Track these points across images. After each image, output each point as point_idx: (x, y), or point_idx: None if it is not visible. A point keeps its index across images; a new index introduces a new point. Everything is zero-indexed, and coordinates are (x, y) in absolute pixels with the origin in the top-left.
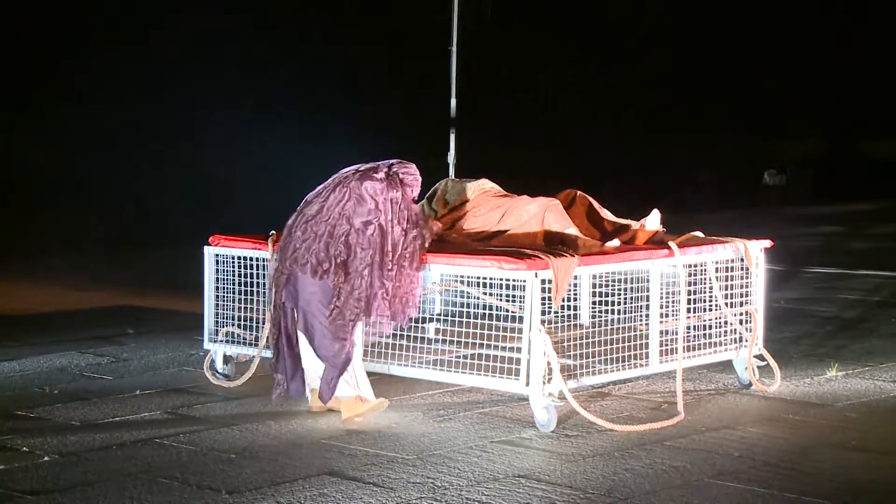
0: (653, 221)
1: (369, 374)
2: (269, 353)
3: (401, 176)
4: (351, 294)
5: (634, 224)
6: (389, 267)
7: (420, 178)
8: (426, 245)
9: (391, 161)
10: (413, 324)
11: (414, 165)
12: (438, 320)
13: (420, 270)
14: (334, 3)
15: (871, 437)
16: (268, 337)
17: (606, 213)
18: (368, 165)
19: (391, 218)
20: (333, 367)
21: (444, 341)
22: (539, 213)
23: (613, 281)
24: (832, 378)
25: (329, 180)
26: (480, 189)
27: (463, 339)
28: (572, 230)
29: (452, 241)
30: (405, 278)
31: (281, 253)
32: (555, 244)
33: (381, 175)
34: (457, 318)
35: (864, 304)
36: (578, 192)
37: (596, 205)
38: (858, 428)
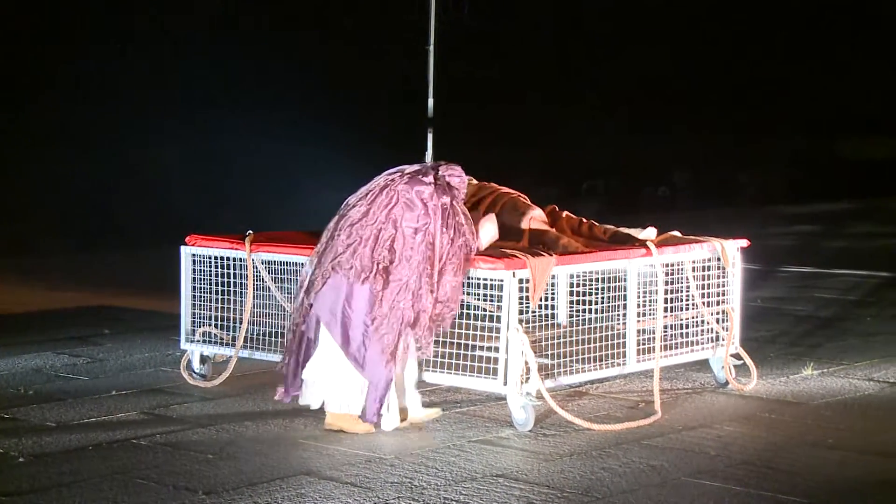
0: (647, 235)
1: None
2: (260, 355)
3: (447, 179)
4: (394, 303)
5: (634, 231)
6: (435, 277)
7: (466, 181)
8: (472, 254)
9: (437, 163)
10: None
11: (460, 167)
12: None
13: (463, 279)
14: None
15: (847, 435)
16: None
17: (599, 226)
18: (414, 168)
19: (440, 224)
20: (375, 387)
21: None
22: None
23: (591, 280)
24: (808, 377)
25: (373, 183)
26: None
27: (440, 339)
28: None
29: None
30: (448, 287)
31: (320, 256)
32: (535, 244)
33: (429, 179)
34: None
35: (839, 303)
36: (565, 213)
37: (583, 220)
38: (834, 426)
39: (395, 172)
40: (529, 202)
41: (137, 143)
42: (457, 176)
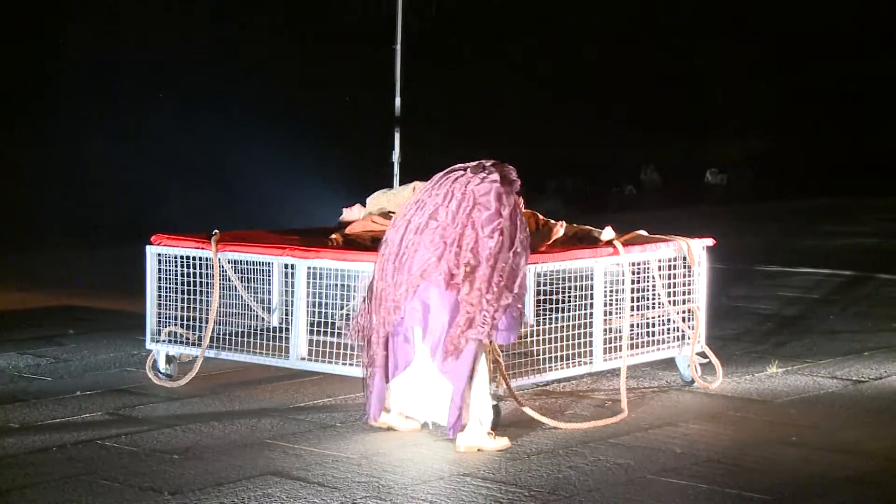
0: (607, 235)
1: (313, 374)
2: (227, 355)
3: (512, 177)
4: (478, 309)
5: (595, 231)
6: (508, 279)
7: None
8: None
9: (489, 161)
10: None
11: (511, 167)
12: None
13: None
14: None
15: (811, 432)
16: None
17: (555, 223)
18: (475, 165)
19: (510, 225)
20: (458, 392)
21: None
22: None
23: (558, 279)
24: (773, 375)
25: (436, 185)
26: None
27: None
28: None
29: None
30: (522, 283)
31: (393, 264)
32: None
33: (495, 176)
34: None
35: (803, 301)
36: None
37: (541, 217)
38: (798, 424)
39: (454, 173)
40: None
41: (100, 141)
42: (514, 176)
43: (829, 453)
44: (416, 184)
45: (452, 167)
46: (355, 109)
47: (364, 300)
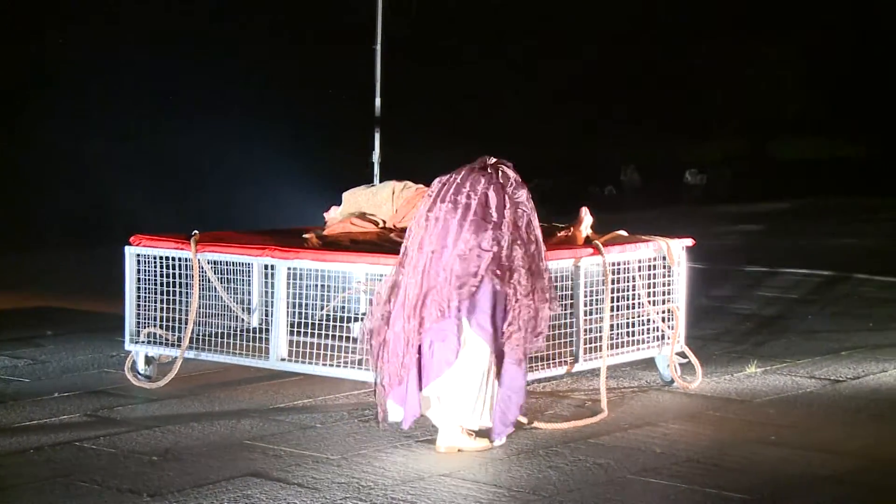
0: (585, 223)
1: (293, 374)
2: (206, 356)
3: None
4: (528, 309)
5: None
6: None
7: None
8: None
9: (493, 158)
10: (337, 323)
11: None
12: (363, 320)
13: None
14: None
15: (790, 432)
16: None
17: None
18: (494, 164)
19: (539, 225)
20: (519, 396)
21: None
22: None
23: None
24: (752, 374)
25: (467, 182)
26: (402, 196)
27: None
28: None
29: (377, 241)
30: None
31: (433, 267)
32: None
33: (516, 176)
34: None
35: (781, 301)
36: None
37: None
38: (777, 423)
39: (474, 173)
40: None
41: (79, 140)
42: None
43: (807, 453)
44: (394, 183)
45: (469, 165)
46: (352, 109)
47: (379, 304)
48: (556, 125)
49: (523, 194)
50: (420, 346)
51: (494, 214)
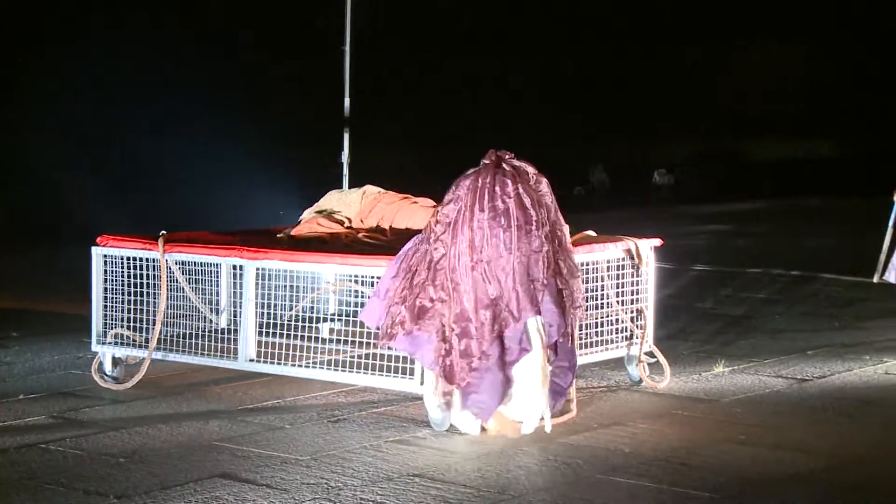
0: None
1: (262, 375)
2: (174, 357)
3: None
4: (576, 293)
5: None
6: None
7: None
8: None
9: (501, 152)
10: (306, 324)
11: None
12: (332, 320)
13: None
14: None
15: (757, 431)
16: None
17: None
18: (519, 162)
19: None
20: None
21: (337, 341)
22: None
23: None
24: (719, 374)
25: (496, 185)
26: (371, 194)
27: (357, 339)
28: None
29: (346, 242)
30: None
31: (503, 270)
32: None
33: (534, 169)
34: (351, 318)
35: (748, 300)
36: None
37: None
38: (744, 422)
39: (498, 174)
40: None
41: (44, 140)
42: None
43: (775, 452)
44: (368, 187)
45: (485, 165)
46: (322, 111)
47: (415, 322)
48: (521, 125)
49: (544, 185)
50: (492, 352)
51: (533, 213)
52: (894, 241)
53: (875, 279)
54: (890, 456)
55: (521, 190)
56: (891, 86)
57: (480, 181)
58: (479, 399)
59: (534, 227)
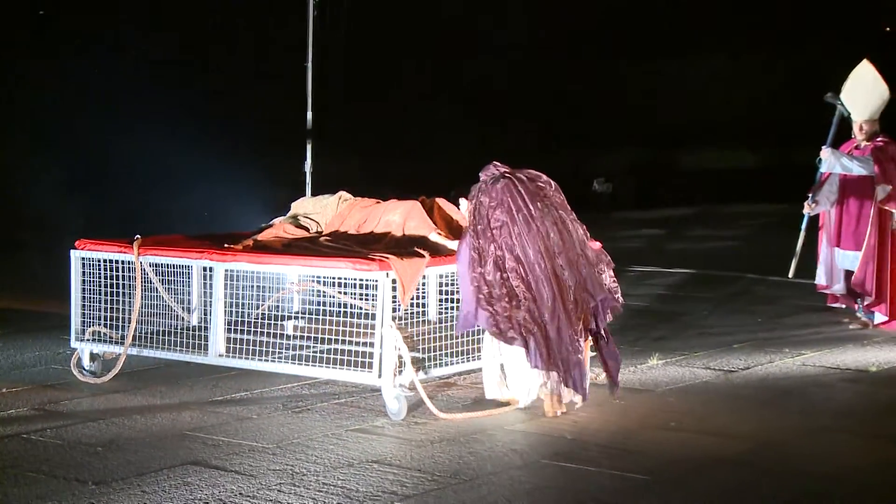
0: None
1: (230, 369)
2: (149, 352)
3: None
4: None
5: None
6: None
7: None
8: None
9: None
10: (272, 321)
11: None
12: (297, 318)
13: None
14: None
15: (687, 418)
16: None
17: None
18: (529, 173)
19: None
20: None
21: (301, 337)
22: (401, 223)
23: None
24: (653, 366)
25: (529, 189)
26: (347, 199)
27: (319, 335)
28: (434, 234)
29: (310, 245)
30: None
31: (556, 273)
32: (409, 246)
33: (537, 172)
34: (314, 316)
35: (680, 299)
36: (435, 200)
37: (452, 211)
38: (676, 410)
39: (521, 181)
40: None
41: (21, 146)
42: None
43: (704, 437)
44: (343, 193)
45: (498, 176)
46: (288, 120)
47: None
48: (467, 138)
49: (555, 188)
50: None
51: (569, 207)
52: (806, 243)
53: (790, 275)
54: (806, 440)
55: (551, 190)
56: (800, 104)
57: (516, 187)
58: (575, 379)
59: (577, 221)
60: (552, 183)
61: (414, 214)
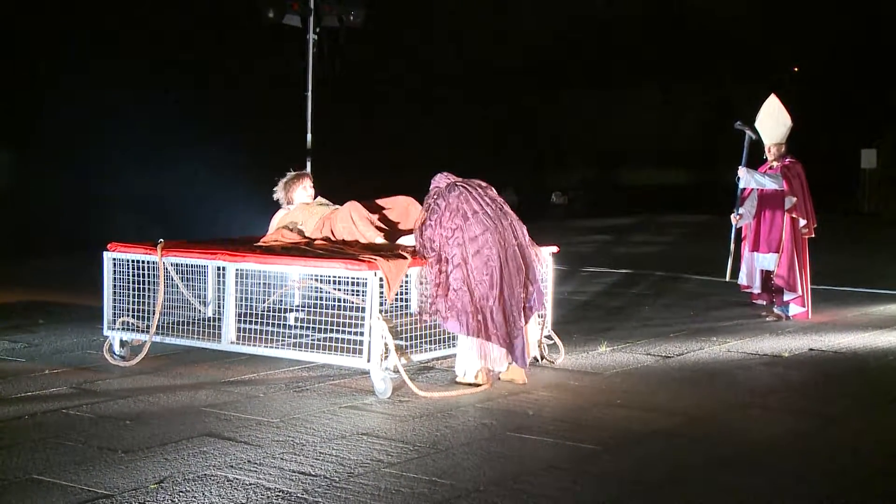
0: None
1: (241, 355)
2: (170, 340)
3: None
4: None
5: None
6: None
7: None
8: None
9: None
10: (276, 313)
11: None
12: (297, 310)
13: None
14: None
15: (631, 396)
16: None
17: None
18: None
19: None
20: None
21: (301, 327)
22: (350, 226)
23: None
24: (602, 352)
25: (479, 191)
26: (331, 207)
27: (317, 326)
28: (371, 232)
29: (305, 248)
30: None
31: (509, 261)
32: (385, 249)
33: (480, 181)
34: (312, 309)
35: (625, 295)
36: (412, 200)
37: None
38: (622, 390)
39: (470, 186)
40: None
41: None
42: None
43: (644, 412)
44: (319, 199)
45: (452, 183)
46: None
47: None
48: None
49: (494, 192)
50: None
51: (512, 211)
52: (736, 250)
53: (727, 277)
54: (730, 414)
55: (492, 192)
56: (721, 131)
57: (467, 192)
58: (516, 350)
59: (518, 221)
60: (493, 189)
61: (356, 212)
